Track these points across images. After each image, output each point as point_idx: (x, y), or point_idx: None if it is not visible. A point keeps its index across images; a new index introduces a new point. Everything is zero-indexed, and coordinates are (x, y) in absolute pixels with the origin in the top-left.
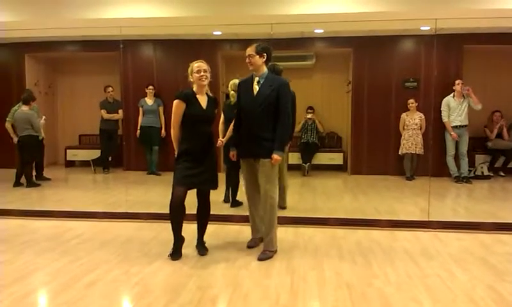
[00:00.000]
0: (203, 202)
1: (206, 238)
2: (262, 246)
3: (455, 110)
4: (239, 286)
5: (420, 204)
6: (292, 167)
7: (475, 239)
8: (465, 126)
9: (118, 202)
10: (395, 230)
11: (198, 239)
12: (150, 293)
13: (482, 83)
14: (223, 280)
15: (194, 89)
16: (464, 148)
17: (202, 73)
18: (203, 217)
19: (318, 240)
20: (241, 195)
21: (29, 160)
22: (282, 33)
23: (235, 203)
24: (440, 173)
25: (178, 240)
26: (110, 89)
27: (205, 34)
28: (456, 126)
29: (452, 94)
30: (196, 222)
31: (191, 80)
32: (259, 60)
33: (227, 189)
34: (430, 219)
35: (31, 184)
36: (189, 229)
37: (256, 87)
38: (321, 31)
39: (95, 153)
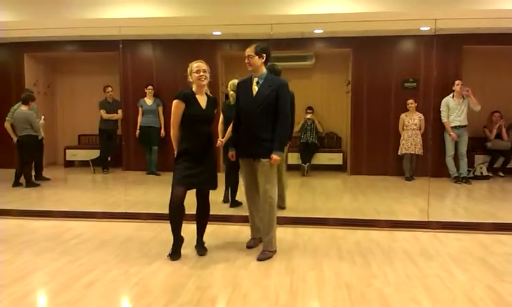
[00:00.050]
0: (203, 202)
1: (205, 238)
2: (262, 246)
3: (454, 110)
4: (238, 286)
5: (420, 204)
6: (292, 168)
7: (474, 239)
8: (464, 126)
9: (117, 202)
10: (394, 230)
11: (197, 239)
12: (149, 293)
13: (482, 83)
14: (222, 280)
15: (194, 89)
16: (463, 149)
17: (201, 73)
18: (203, 217)
19: (317, 240)
20: (241, 195)
21: (28, 160)
22: (282, 33)
23: (235, 203)
24: (439, 173)
25: (178, 240)
26: (109, 89)
27: (204, 34)
28: (455, 127)
29: (451, 95)
30: (195, 222)
31: (191, 80)
32: (258, 61)
33: (226, 189)
34: (429, 220)
35: (30, 184)
36: (189, 230)
37: (255, 88)
38: (321, 31)
39: (95, 153)
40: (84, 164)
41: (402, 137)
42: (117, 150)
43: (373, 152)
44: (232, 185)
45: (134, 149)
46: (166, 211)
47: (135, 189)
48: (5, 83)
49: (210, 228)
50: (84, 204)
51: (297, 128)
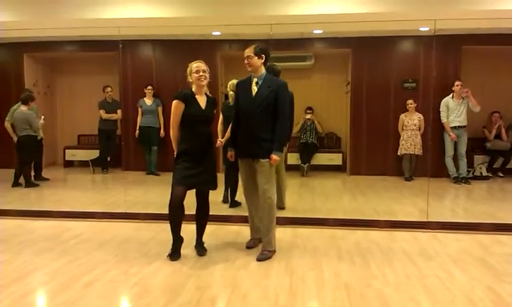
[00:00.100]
0: (202, 202)
1: (205, 238)
2: (261, 246)
3: (454, 111)
4: (238, 287)
5: (419, 204)
6: (291, 168)
7: (473, 240)
8: (464, 127)
9: (116, 202)
10: (393, 231)
11: (196, 239)
12: (148, 293)
13: (481, 84)
14: (222, 280)
15: (193, 89)
16: (463, 149)
17: (201, 74)
18: (202, 218)
19: (317, 240)
20: (240, 195)
21: (27, 160)
22: (281, 34)
23: (234, 204)
24: (439, 173)
25: (177, 241)
26: (109, 89)
27: (204, 34)
28: (454, 127)
29: (451, 95)
30: (195, 222)
31: (190, 80)
32: (258, 61)
33: (226, 190)
34: (429, 220)
35: (29, 184)
36: (188, 230)
37: (254, 88)
38: (320, 31)
39: (94, 153)
40: (83, 164)
41: (401, 138)
42: (116, 150)
43: (372, 152)
44: (231, 186)
45: (133, 149)
46: (165, 211)
47: (134, 189)
48: (5, 83)
49: (210, 228)
50: (84, 205)
51: (296, 128)
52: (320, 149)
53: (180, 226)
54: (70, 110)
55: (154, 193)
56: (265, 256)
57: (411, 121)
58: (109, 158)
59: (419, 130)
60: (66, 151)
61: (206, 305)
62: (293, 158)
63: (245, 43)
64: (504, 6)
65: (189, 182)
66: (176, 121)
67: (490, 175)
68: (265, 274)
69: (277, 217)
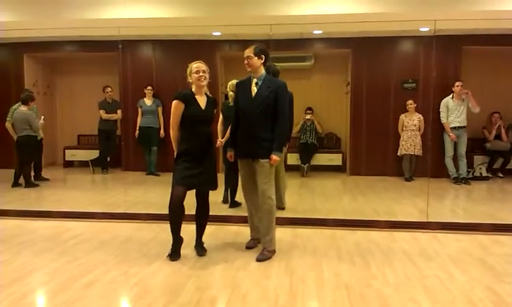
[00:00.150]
0: (202, 203)
1: (205, 238)
2: (261, 247)
3: (454, 111)
4: (238, 287)
5: (419, 205)
6: (291, 168)
7: (473, 240)
8: (464, 127)
9: (116, 202)
10: (393, 231)
11: (196, 240)
12: (148, 293)
13: (481, 84)
14: (222, 281)
15: (193, 89)
16: (462, 149)
17: (201, 74)
18: (202, 218)
19: (317, 240)
20: (240, 196)
21: (27, 161)
22: (281, 34)
23: (234, 204)
24: (439, 174)
25: (177, 241)
26: (109, 89)
27: (204, 34)
28: (454, 128)
29: (451, 96)
30: (195, 222)
31: (190, 80)
32: (257, 62)
33: (226, 190)
34: (429, 220)
35: (29, 184)
36: (188, 230)
37: (254, 89)
38: (320, 31)
39: (94, 154)
40: (83, 164)
41: (401, 138)
42: (116, 151)
43: (372, 153)
44: (231, 186)
45: (133, 149)
46: (165, 211)
47: (134, 190)
48: (5, 83)
49: (210, 228)
50: (84, 205)
51: (296, 128)
52: (320, 149)
53: (180, 226)
54: (69, 110)
55: (154, 193)
56: (265, 256)
57: (411, 122)
58: (108, 159)
59: (419, 130)
60: (66, 151)
61: (206, 305)
62: (293, 159)
63: (245, 43)
64: (504, 7)
65: (189, 182)
66: (176, 121)
67: (490, 176)
68: (265, 274)
69: (277, 218)
